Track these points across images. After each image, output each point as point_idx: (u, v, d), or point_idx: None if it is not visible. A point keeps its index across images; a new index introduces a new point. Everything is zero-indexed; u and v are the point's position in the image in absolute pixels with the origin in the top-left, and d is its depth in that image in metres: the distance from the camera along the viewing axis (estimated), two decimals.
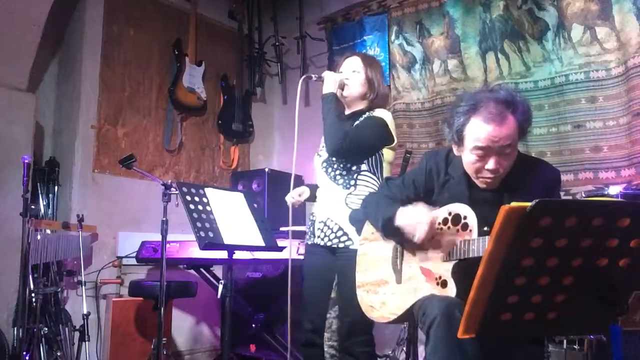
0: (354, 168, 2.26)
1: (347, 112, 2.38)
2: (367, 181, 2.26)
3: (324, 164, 2.34)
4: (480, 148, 1.61)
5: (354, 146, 2.19)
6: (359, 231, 2.16)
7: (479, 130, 1.61)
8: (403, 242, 1.82)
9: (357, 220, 2.17)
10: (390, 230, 1.82)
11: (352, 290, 2.07)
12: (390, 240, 1.90)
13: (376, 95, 2.33)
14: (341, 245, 2.21)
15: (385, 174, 2.31)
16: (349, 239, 2.20)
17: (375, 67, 2.37)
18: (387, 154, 2.32)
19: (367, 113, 2.31)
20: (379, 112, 2.29)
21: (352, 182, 2.25)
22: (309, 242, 2.37)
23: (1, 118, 3.32)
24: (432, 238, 1.70)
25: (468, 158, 1.67)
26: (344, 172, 2.27)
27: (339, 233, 2.23)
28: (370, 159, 2.27)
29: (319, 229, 2.30)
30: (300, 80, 2.39)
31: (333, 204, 2.27)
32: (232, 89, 4.49)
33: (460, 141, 1.68)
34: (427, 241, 1.72)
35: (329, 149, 2.24)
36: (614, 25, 2.89)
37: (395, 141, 2.32)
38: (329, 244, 2.24)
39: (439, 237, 1.72)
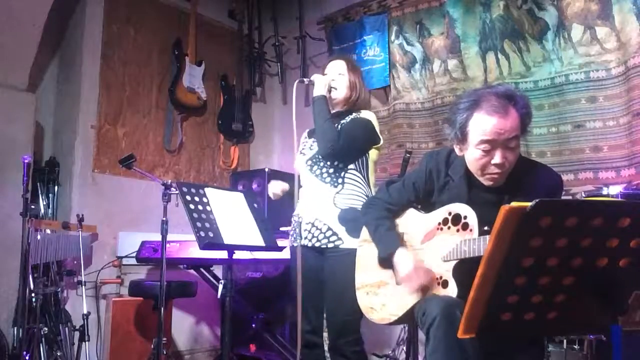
0: (340, 165, 2.28)
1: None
2: (354, 180, 2.29)
3: (309, 162, 2.35)
4: (486, 141, 1.60)
5: (347, 147, 2.23)
6: (350, 230, 2.17)
7: (483, 124, 1.60)
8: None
9: (350, 220, 2.18)
10: (387, 264, 1.87)
11: (341, 290, 2.07)
12: None
13: (357, 98, 2.39)
14: (331, 245, 2.22)
15: (372, 173, 2.35)
16: (339, 238, 2.21)
17: (357, 71, 2.44)
18: (373, 153, 2.36)
19: (353, 114, 2.34)
20: (365, 114, 2.34)
21: (340, 181, 2.27)
22: (295, 244, 2.34)
23: (1, 118, 3.32)
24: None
25: (473, 155, 1.66)
26: (331, 170, 2.28)
27: (328, 233, 2.23)
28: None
29: (305, 230, 2.30)
30: (295, 84, 2.39)
31: (320, 204, 2.28)
32: (232, 89, 4.49)
33: (464, 138, 1.67)
34: (426, 242, 1.72)
35: (322, 150, 2.25)
36: (614, 25, 2.89)
37: (382, 141, 2.37)
38: (317, 244, 2.24)
39: (438, 237, 1.73)
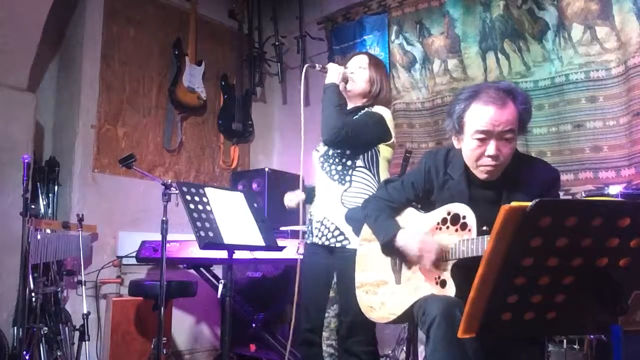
0: (349, 163, 2.25)
1: (348, 107, 2.39)
2: (363, 177, 2.25)
3: (321, 159, 2.34)
4: (481, 132, 1.61)
5: (350, 137, 2.17)
6: (355, 230, 2.16)
7: (479, 114, 1.61)
8: (402, 257, 1.83)
9: (355, 219, 2.17)
10: (389, 250, 1.85)
11: (350, 290, 2.06)
12: None
13: (377, 94, 2.33)
14: (338, 244, 2.21)
15: (383, 171, 2.29)
16: (346, 238, 2.20)
17: (380, 68, 2.39)
18: (385, 151, 2.30)
19: (367, 109, 2.31)
20: (378, 109, 2.29)
21: (347, 178, 2.24)
22: (308, 242, 2.37)
23: (1, 118, 3.32)
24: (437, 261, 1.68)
25: (468, 145, 1.66)
26: (339, 167, 2.26)
27: (336, 232, 2.22)
28: (365, 154, 2.26)
29: (316, 228, 2.30)
30: (304, 69, 2.37)
31: (329, 202, 2.26)
32: (232, 89, 4.49)
33: (460, 129, 1.68)
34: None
35: (325, 138, 2.22)
36: (614, 25, 2.89)
37: (393, 138, 2.30)
38: (326, 243, 2.24)
39: (437, 236, 1.73)
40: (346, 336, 2.20)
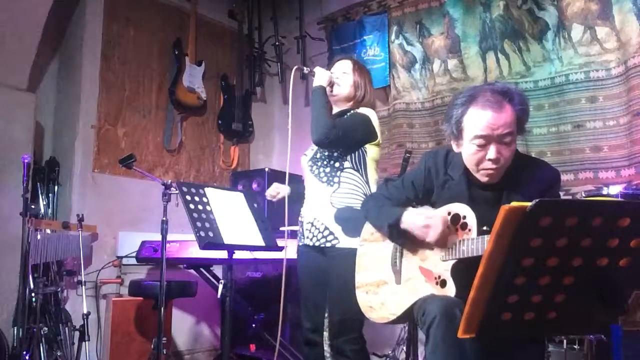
0: (337, 165, 2.28)
1: (334, 111, 2.41)
2: (351, 178, 2.27)
3: (309, 163, 2.37)
4: (480, 137, 1.61)
5: (341, 136, 2.20)
6: (345, 230, 2.17)
7: (477, 118, 1.61)
8: (409, 243, 1.81)
9: (343, 218, 2.18)
10: (396, 234, 1.81)
11: (340, 289, 2.09)
12: (389, 241, 1.90)
13: (362, 99, 2.37)
14: (328, 244, 2.23)
15: (371, 171, 2.32)
16: (335, 237, 2.21)
17: (364, 73, 2.42)
18: (372, 151, 2.32)
19: (353, 111, 2.34)
20: (364, 110, 2.33)
21: (336, 180, 2.26)
22: (300, 243, 2.39)
23: (1, 118, 3.32)
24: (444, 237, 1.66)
25: (468, 150, 1.66)
26: (328, 169, 2.29)
27: (326, 232, 2.24)
28: (353, 155, 2.28)
29: (307, 229, 2.32)
30: (293, 71, 2.40)
31: (319, 204, 2.29)
32: (232, 89, 4.49)
33: (459, 134, 1.68)
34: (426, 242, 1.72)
35: (314, 138, 2.23)
36: (614, 25, 2.89)
37: (379, 138, 2.33)
38: (317, 244, 2.26)
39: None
40: (335, 335, 2.21)
